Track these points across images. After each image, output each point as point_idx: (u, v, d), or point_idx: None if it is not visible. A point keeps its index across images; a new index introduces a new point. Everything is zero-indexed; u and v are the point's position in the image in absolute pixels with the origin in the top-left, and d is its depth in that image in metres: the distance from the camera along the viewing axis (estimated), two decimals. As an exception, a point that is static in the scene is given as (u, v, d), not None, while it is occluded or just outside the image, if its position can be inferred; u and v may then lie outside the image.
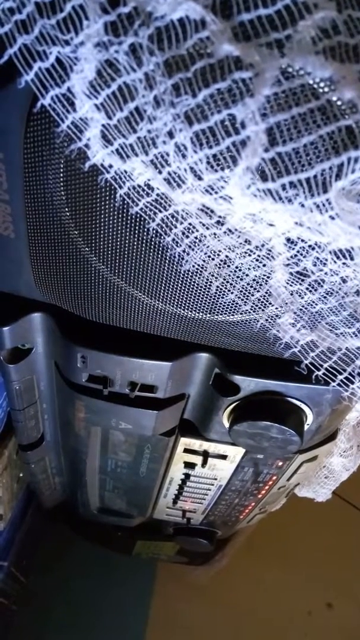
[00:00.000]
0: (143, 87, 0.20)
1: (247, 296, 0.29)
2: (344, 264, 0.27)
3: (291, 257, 0.28)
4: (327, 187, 0.20)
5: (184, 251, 0.26)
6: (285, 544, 0.94)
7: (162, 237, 0.27)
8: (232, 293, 0.29)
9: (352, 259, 0.27)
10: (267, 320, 0.30)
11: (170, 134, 0.20)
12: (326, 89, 0.19)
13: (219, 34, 0.19)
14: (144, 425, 0.42)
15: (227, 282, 0.29)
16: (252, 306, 0.30)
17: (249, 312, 0.31)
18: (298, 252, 0.27)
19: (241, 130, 0.19)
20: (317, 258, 0.27)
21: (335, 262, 0.27)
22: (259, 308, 0.30)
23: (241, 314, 0.32)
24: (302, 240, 0.27)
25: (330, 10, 0.19)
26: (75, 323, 0.37)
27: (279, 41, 0.19)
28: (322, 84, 0.19)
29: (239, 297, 0.30)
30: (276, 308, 0.30)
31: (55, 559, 0.86)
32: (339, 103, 0.19)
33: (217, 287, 0.29)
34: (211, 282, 0.29)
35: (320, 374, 0.32)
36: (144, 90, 0.20)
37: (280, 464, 0.48)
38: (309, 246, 0.27)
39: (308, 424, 0.41)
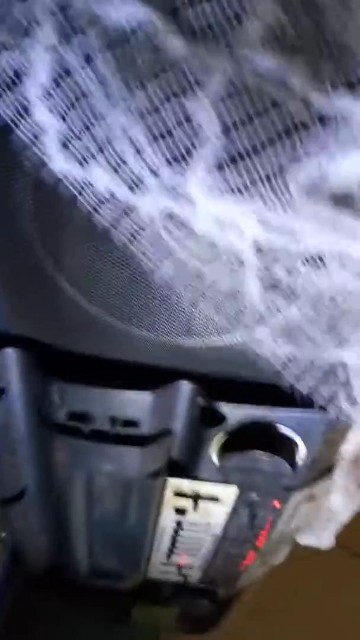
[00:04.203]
0: (94, 85, 0.20)
1: (221, 310, 0.29)
2: (317, 270, 0.27)
3: (263, 266, 0.27)
4: (284, 175, 0.20)
5: (150, 260, 0.26)
6: (295, 606, 0.88)
7: (130, 252, 0.26)
8: (205, 307, 0.29)
9: (324, 264, 0.27)
10: (242, 334, 0.29)
11: (124, 129, 0.20)
12: (274, 77, 0.19)
13: (165, 30, 0.19)
14: (128, 465, 0.40)
15: (200, 296, 0.28)
16: (227, 321, 0.29)
17: (227, 330, 0.31)
18: (269, 260, 0.27)
19: (192, 119, 0.19)
20: (289, 265, 0.27)
21: (307, 268, 0.27)
22: (235, 322, 0.29)
23: (217, 331, 0.31)
24: (273, 249, 0.26)
25: (275, 4, 0.19)
26: (50, 355, 0.36)
27: (226, 35, 0.19)
28: (270, 73, 0.19)
29: (213, 312, 0.29)
30: (252, 320, 0.29)
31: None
32: (287, 89, 0.19)
33: (189, 300, 0.28)
34: (183, 297, 0.28)
35: (305, 393, 0.31)
36: (95, 89, 0.20)
37: (277, 504, 0.45)
38: (280, 253, 0.26)
39: (302, 458, 0.39)
